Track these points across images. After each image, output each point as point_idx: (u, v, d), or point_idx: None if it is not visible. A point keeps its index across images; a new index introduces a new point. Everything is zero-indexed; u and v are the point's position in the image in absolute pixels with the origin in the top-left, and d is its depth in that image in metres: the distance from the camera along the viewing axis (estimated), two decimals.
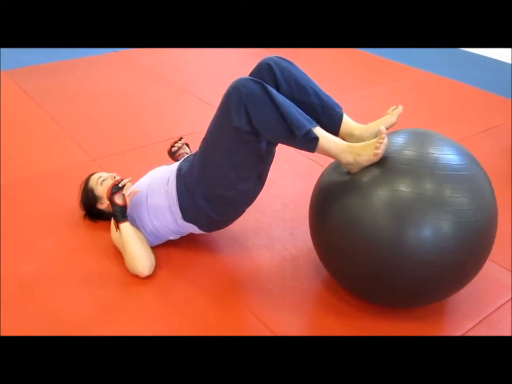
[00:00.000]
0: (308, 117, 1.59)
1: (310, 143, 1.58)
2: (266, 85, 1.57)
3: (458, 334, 1.63)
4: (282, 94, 1.69)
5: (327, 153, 1.59)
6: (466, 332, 1.63)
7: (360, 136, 1.70)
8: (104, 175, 2.04)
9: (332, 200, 1.59)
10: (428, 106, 3.29)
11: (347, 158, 1.55)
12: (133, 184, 1.99)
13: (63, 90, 3.42)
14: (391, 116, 1.71)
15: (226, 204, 1.77)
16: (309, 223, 1.75)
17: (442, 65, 4.00)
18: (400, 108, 1.72)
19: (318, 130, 1.58)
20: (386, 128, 1.66)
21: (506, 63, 4.09)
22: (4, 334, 1.58)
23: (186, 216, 1.80)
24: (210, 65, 3.91)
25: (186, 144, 2.16)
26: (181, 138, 2.14)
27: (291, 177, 2.48)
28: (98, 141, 2.77)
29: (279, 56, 1.78)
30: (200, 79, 3.63)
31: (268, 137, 1.63)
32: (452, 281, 1.56)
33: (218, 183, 1.71)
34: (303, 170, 2.51)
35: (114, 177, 2.01)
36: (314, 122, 1.59)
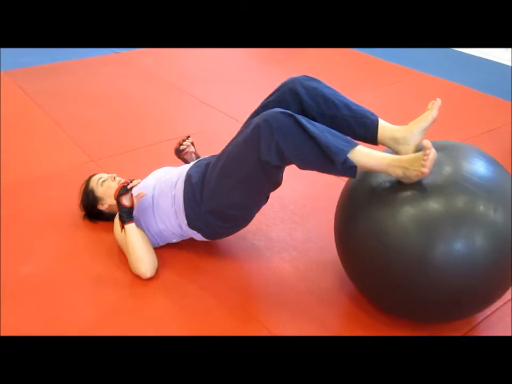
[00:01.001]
0: (346, 138, 1.53)
1: (349, 171, 1.52)
2: (298, 116, 1.52)
3: (458, 334, 1.62)
4: (312, 112, 1.67)
5: (373, 170, 1.54)
6: (466, 332, 1.63)
7: (404, 139, 1.59)
8: (104, 176, 2.04)
9: (359, 214, 1.54)
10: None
11: (396, 172, 1.48)
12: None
13: (63, 91, 3.42)
14: (431, 111, 1.60)
15: (232, 219, 1.80)
16: (334, 232, 1.70)
17: (442, 67, 4.00)
18: (439, 101, 1.61)
19: (359, 150, 1.50)
20: (429, 125, 1.59)
21: (506, 66, 4.09)
22: (3, 334, 1.57)
23: (191, 224, 1.81)
24: (210, 67, 3.91)
25: (192, 144, 2.15)
26: (188, 137, 2.13)
27: (290, 178, 2.47)
28: (98, 142, 2.77)
29: (305, 75, 1.74)
30: (199, 80, 3.64)
31: (307, 168, 1.59)
32: (482, 298, 1.51)
33: (229, 204, 1.72)
34: (302, 171, 2.50)
35: (114, 178, 2.02)
36: (353, 142, 1.52)
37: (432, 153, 1.42)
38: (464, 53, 4.39)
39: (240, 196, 1.70)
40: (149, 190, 1.88)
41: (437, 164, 1.47)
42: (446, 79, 3.76)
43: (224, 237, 1.92)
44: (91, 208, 2.05)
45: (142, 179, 1.95)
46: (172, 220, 1.84)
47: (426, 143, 1.43)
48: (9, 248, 1.96)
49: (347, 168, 1.51)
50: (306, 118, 1.55)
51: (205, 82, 3.58)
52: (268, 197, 1.84)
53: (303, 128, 1.50)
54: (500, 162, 1.61)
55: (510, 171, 2.54)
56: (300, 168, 1.59)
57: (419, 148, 1.56)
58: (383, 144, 1.65)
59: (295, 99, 1.70)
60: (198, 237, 1.86)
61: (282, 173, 1.72)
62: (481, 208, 1.41)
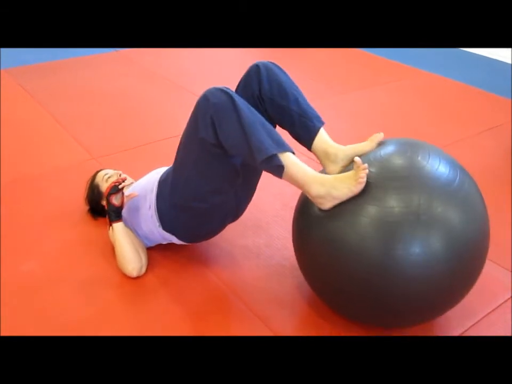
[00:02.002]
0: (280, 139, 1.48)
1: (273, 170, 1.47)
2: (237, 97, 1.49)
3: (456, 333, 1.63)
4: (264, 95, 1.64)
5: (294, 182, 1.47)
6: (465, 331, 1.64)
7: (335, 156, 1.55)
8: (110, 172, 2.05)
9: (315, 218, 1.48)
10: (428, 107, 3.29)
11: (318, 190, 1.42)
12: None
13: (63, 89, 3.42)
14: (370, 143, 1.54)
15: (198, 216, 1.71)
16: (292, 240, 1.65)
17: (442, 65, 4.00)
18: (381, 135, 1.55)
19: (287, 157, 1.45)
20: (363, 154, 1.51)
21: (506, 63, 4.09)
22: (3, 334, 1.58)
23: (164, 226, 1.78)
24: (210, 64, 3.91)
25: None
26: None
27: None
28: (99, 139, 2.77)
29: (271, 61, 1.72)
30: (199, 77, 3.64)
31: (232, 154, 1.53)
32: (442, 300, 1.47)
33: (189, 194, 1.65)
34: None
35: (120, 175, 2.02)
36: (286, 147, 1.46)
37: (366, 168, 1.38)
38: (464, 51, 4.39)
39: (196, 185, 1.62)
40: (140, 191, 1.87)
41: (393, 165, 1.42)
42: (446, 77, 3.76)
43: (202, 240, 1.88)
44: (95, 204, 2.06)
45: (138, 178, 1.95)
46: (149, 224, 1.81)
47: (357, 160, 1.39)
48: (9, 245, 1.96)
49: (272, 166, 1.45)
50: (246, 103, 1.51)
51: (206, 80, 3.58)
52: (246, 198, 1.76)
53: (237, 111, 1.46)
54: (500, 159, 1.61)
55: (510, 168, 2.56)
56: (227, 152, 1.52)
57: (345, 170, 1.52)
58: (315, 154, 1.63)
59: (257, 79, 1.65)
60: (175, 240, 1.82)
61: (236, 160, 1.59)
62: (439, 209, 1.36)
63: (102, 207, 2.03)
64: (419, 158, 1.44)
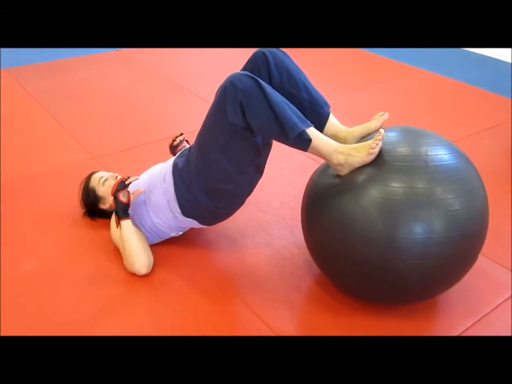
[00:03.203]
0: (302, 116, 1.58)
1: (303, 144, 1.57)
2: (261, 81, 1.56)
3: (456, 332, 1.63)
4: (273, 83, 1.70)
5: (318, 153, 1.58)
6: (465, 330, 1.64)
7: (344, 139, 1.69)
8: (105, 174, 2.03)
9: (323, 201, 1.59)
10: (427, 105, 3.29)
11: (338, 158, 1.54)
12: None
13: (63, 88, 3.42)
14: (376, 121, 1.69)
15: (225, 196, 1.77)
16: (302, 224, 1.74)
17: (442, 64, 4.00)
18: (387, 115, 1.71)
19: (312, 131, 1.57)
20: (370, 133, 1.67)
21: (506, 63, 4.09)
22: (3, 333, 1.58)
23: (186, 212, 1.80)
24: (210, 63, 3.91)
25: (186, 141, 2.16)
26: (181, 134, 2.14)
27: (290, 175, 2.48)
28: (98, 139, 2.77)
29: (277, 48, 1.77)
30: (199, 77, 3.63)
31: (261, 134, 1.64)
32: (442, 279, 1.57)
33: (216, 177, 1.71)
34: (302, 168, 2.51)
35: (116, 177, 2.01)
36: (308, 122, 1.58)
37: (380, 140, 1.50)
38: (464, 50, 4.38)
39: (223, 167, 1.68)
40: (144, 186, 1.88)
41: (399, 148, 1.52)
42: (446, 76, 3.76)
43: (222, 221, 1.91)
44: (92, 207, 2.05)
45: (138, 176, 1.95)
46: (165, 212, 1.84)
47: (382, 131, 1.51)
48: (9, 244, 1.96)
49: (301, 141, 1.56)
50: (269, 86, 1.58)
51: (206, 79, 3.58)
52: (261, 172, 1.81)
53: (265, 94, 1.54)
54: (500, 158, 1.62)
55: (510, 167, 2.56)
56: (257, 133, 1.61)
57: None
58: None
59: (266, 67, 1.73)
60: (195, 224, 1.86)
61: (261, 139, 1.69)
62: (441, 193, 1.45)
63: (100, 210, 2.03)
64: (423, 142, 1.53)
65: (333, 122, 1.74)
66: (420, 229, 1.44)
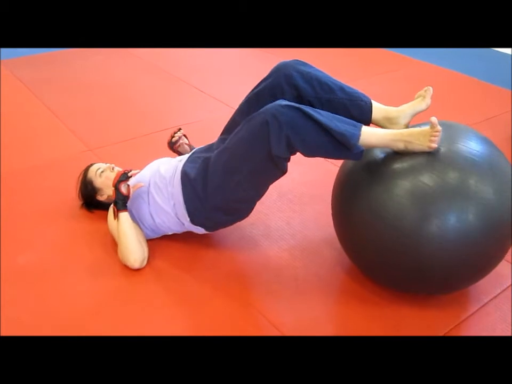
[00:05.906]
0: (350, 121, 1.57)
1: (358, 155, 1.56)
2: (302, 106, 1.54)
3: (457, 333, 1.61)
4: (308, 97, 1.69)
5: (376, 147, 1.59)
6: (463, 320, 1.63)
7: (397, 119, 1.68)
8: (102, 166, 2.03)
9: (356, 190, 1.60)
10: None
11: (398, 146, 1.54)
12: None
13: (60, 80, 3.41)
14: (425, 98, 1.69)
15: (237, 212, 1.81)
16: (332, 212, 1.75)
17: (441, 55, 3.98)
18: (431, 89, 1.71)
19: (363, 131, 1.55)
20: (422, 110, 1.68)
21: (505, 54, 4.07)
22: (3, 333, 1.56)
23: (194, 220, 1.80)
24: (207, 56, 3.89)
25: (184, 136, 2.14)
26: (179, 129, 2.12)
27: (288, 167, 2.46)
28: (95, 131, 2.76)
29: (296, 59, 1.76)
30: (197, 69, 3.62)
31: (314, 156, 1.64)
32: (474, 270, 1.57)
33: (235, 198, 1.73)
34: (300, 160, 2.48)
35: (113, 169, 2.01)
36: (358, 124, 1.56)
37: (440, 130, 1.49)
38: None
39: (247, 190, 1.70)
40: (144, 183, 1.87)
41: None
42: (446, 67, 3.74)
43: (226, 227, 1.92)
44: (90, 199, 2.04)
45: (140, 169, 1.94)
46: (170, 217, 1.83)
47: (434, 119, 1.49)
48: (7, 237, 1.96)
49: (358, 152, 1.55)
50: (310, 107, 1.57)
51: (203, 71, 3.56)
52: None
53: (312, 119, 1.52)
54: (499, 149, 1.62)
55: (509, 158, 2.54)
56: (305, 156, 1.62)
57: (408, 127, 1.64)
58: (376, 124, 1.71)
59: (290, 84, 1.70)
60: (200, 231, 1.86)
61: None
62: (474, 183, 1.46)
63: (97, 201, 2.02)
64: (456, 134, 1.56)
65: (378, 107, 1.72)
66: (452, 219, 1.44)
